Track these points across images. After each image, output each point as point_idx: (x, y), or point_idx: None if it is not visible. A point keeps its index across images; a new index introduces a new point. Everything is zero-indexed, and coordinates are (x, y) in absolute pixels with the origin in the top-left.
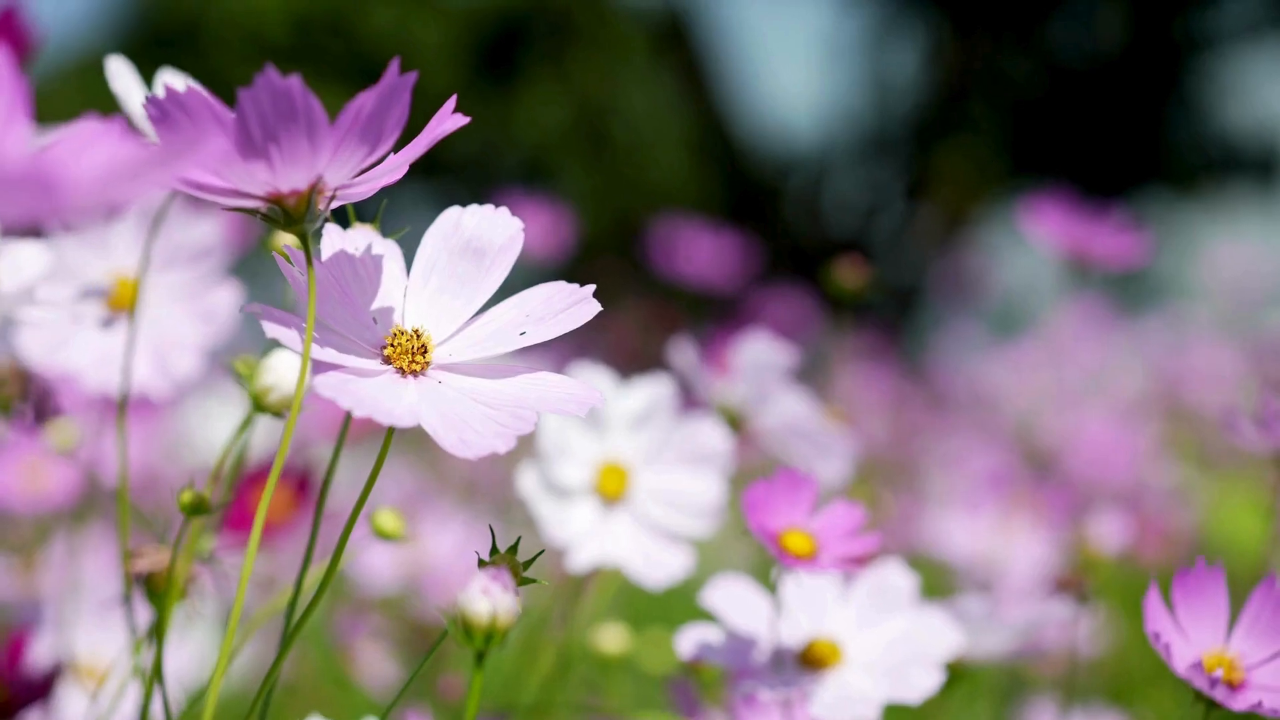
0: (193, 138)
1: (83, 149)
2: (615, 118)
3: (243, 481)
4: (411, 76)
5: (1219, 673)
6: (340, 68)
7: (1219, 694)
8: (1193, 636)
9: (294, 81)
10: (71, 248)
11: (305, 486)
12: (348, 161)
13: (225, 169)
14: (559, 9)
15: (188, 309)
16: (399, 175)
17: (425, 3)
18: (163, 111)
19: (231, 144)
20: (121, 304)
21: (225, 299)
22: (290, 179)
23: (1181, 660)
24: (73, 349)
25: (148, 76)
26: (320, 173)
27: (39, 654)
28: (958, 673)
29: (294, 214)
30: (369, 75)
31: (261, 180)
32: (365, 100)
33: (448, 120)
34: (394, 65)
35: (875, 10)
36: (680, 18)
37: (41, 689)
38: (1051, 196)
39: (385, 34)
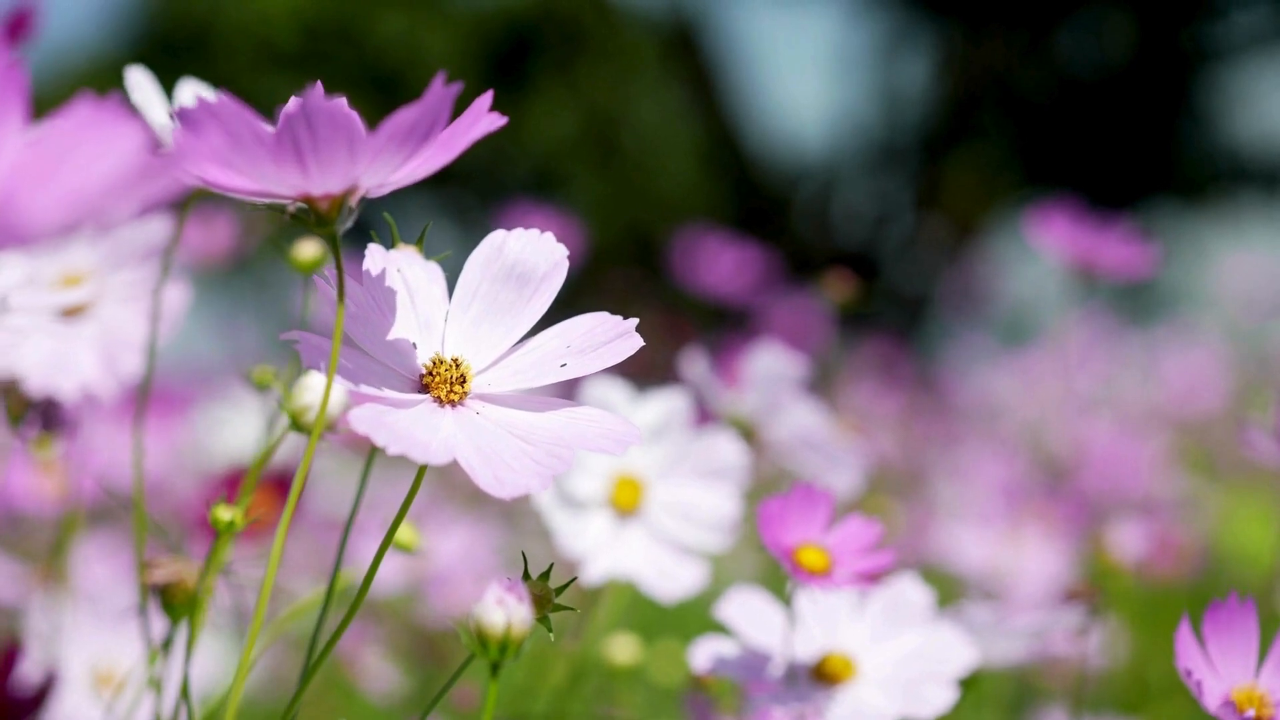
0: (218, 146)
1: (76, 142)
2: (625, 127)
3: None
4: (455, 88)
5: (1251, 712)
6: (349, 75)
7: None
8: (1222, 671)
9: (339, 102)
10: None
11: (284, 488)
12: (384, 169)
13: (258, 174)
14: (568, 18)
15: (137, 309)
16: (428, 173)
17: (434, 11)
18: (193, 121)
19: (268, 152)
20: (76, 306)
21: (174, 298)
22: (324, 186)
23: (1213, 698)
24: (26, 351)
25: (157, 84)
26: (356, 180)
27: (30, 668)
28: (966, 680)
29: (326, 217)
30: (378, 83)
31: (293, 184)
32: (407, 115)
33: (483, 120)
34: (439, 80)
35: (885, 21)
36: (690, 27)
37: (30, 706)
38: (1058, 206)
39: (394, 42)
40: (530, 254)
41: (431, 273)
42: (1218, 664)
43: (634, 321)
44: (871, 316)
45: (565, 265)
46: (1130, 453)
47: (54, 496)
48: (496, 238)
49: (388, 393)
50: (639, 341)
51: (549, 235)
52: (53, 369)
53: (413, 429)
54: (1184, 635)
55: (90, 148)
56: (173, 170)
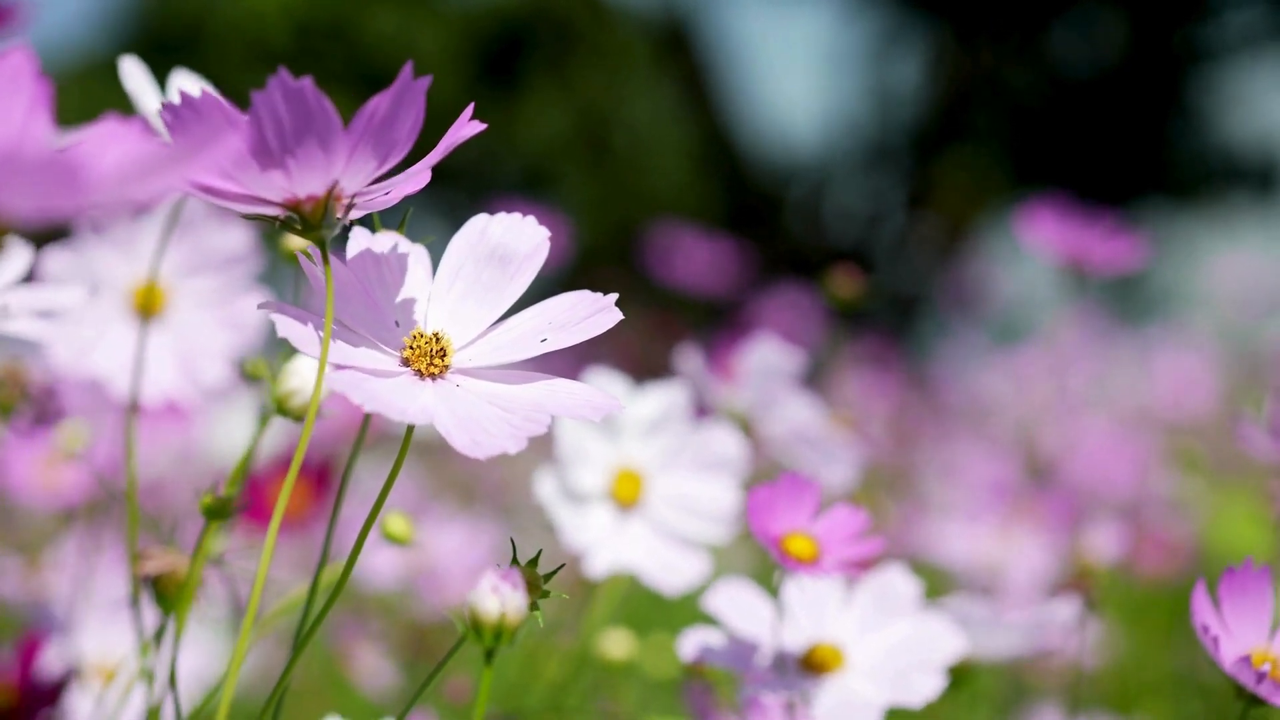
0: (205, 138)
1: (103, 146)
2: (617, 126)
3: (259, 476)
4: (425, 80)
5: (1266, 668)
6: (341, 74)
7: (1264, 689)
8: (1236, 633)
9: (306, 83)
10: (98, 251)
11: (324, 478)
12: (364, 166)
13: (241, 173)
14: (561, 16)
15: (216, 316)
16: (422, 183)
17: (426, 9)
18: (176, 115)
19: (245, 146)
20: (148, 309)
21: (254, 307)
22: (306, 184)
23: (1229, 655)
24: (100, 354)
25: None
26: (336, 178)
27: (49, 659)
28: (961, 674)
29: (311, 220)
30: (370, 81)
31: (278, 186)
32: (379, 103)
33: (465, 127)
34: (407, 69)
35: (877, 20)
36: (683, 26)
37: (51, 695)
38: (1047, 203)
39: (386, 40)
40: (512, 237)
41: (415, 253)
42: (1232, 626)
43: (613, 296)
44: (864, 314)
45: (546, 248)
46: (1120, 452)
47: (51, 488)
48: (479, 221)
49: (369, 362)
50: (618, 315)
51: (531, 219)
52: (135, 375)
53: (391, 393)
54: (1200, 596)
55: (119, 145)
56: (178, 166)
